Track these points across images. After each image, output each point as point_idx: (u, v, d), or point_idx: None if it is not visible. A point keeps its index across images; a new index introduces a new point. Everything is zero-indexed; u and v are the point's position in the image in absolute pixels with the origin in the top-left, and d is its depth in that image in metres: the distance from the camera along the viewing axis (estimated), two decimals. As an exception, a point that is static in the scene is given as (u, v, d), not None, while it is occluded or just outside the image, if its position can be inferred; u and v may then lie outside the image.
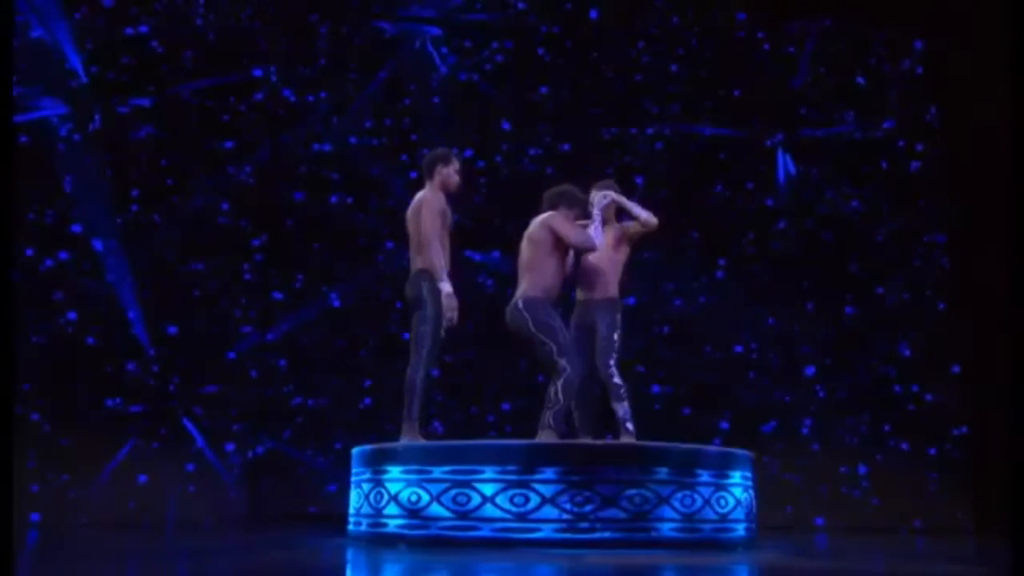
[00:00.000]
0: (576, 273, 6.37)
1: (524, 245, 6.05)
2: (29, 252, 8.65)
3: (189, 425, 8.79)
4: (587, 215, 6.29)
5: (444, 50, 9.77)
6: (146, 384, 8.71)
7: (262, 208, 9.28)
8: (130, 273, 8.60)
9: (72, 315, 8.63)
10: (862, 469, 9.66)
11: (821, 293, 9.92)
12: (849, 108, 10.16)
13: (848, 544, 7.13)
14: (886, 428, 9.72)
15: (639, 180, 10.00)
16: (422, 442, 5.93)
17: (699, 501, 5.61)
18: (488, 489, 5.51)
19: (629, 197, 6.59)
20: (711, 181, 9.99)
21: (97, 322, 8.67)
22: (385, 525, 5.76)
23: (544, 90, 9.94)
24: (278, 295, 9.31)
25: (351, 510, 6.11)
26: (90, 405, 8.61)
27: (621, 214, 6.59)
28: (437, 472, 5.62)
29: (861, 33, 10.17)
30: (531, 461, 5.51)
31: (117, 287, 8.60)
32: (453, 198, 6.37)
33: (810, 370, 9.86)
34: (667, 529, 5.51)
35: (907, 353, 9.81)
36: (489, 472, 5.53)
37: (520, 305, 5.91)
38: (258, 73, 9.27)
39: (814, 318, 9.89)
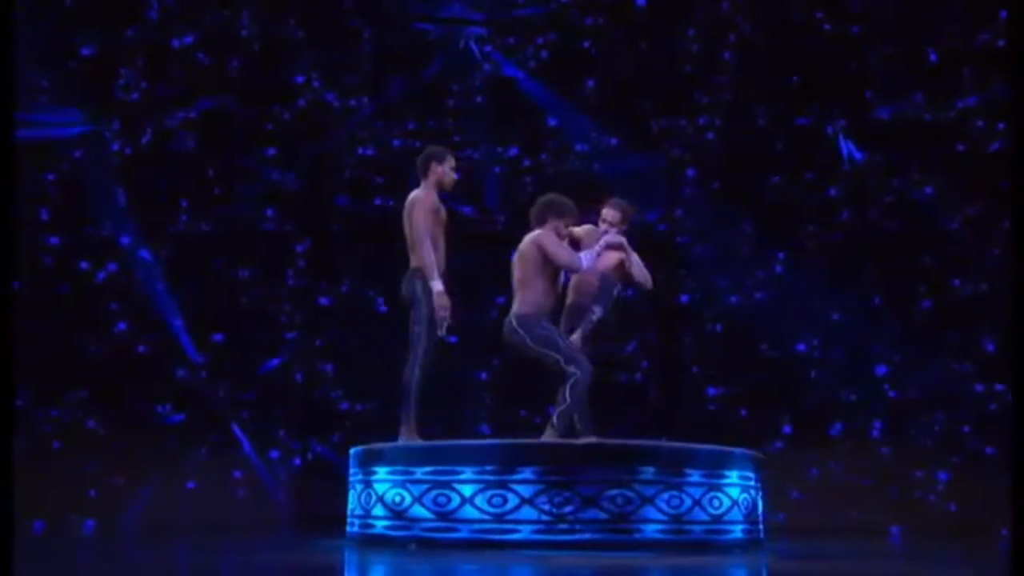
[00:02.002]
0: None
1: (515, 262, 5.99)
2: (84, 265, 8.95)
3: (237, 431, 8.94)
4: (579, 221, 6.15)
5: (487, 48, 9.68)
6: (195, 391, 8.90)
7: (306, 214, 9.37)
8: (165, 281, 8.79)
9: (122, 325, 8.88)
10: (938, 473, 9.09)
11: (890, 287, 9.39)
12: (919, 88, 9.58)
13: (870, 547, 6.72)
14: (965, 429, 9.12)
15: (690, 173, 9.68)
16: (408, 442, 5.85)
17: (688, 502, 5.37)
18: (467, 490, 5.42)
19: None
20: (767, 172, 9.58)
21: (148, 331, 8.90)
22: (373, 526, 5.73)
23: (591, 84, 9.73)
24: (324, 300, 9.38)
25: (348, 511, 6.08)
26: (143, 412, 8.84)
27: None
28: (419, 473, 5.56)
29: (933, 4, 9.56)
30: (509, 461, 5.38)
31: (160, 297, 8.81)
32: (450, 195, 6.34)
33: (881, 369, 9.34)
34: (652, 531, 5.33)
35: (990, 348, 9.18)
36: (468, 473, 5.44)
37: (514, 324, 5.87)
38: (300, 80, 9.37)
39: (882, 313, 9.37)
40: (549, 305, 5.96)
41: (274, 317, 9.16)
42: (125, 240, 8.98)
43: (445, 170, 6.16)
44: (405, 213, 6.12)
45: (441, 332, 6.00)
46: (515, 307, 5.92)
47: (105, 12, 9.04)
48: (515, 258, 5.97)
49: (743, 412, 9.30)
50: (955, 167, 9.38)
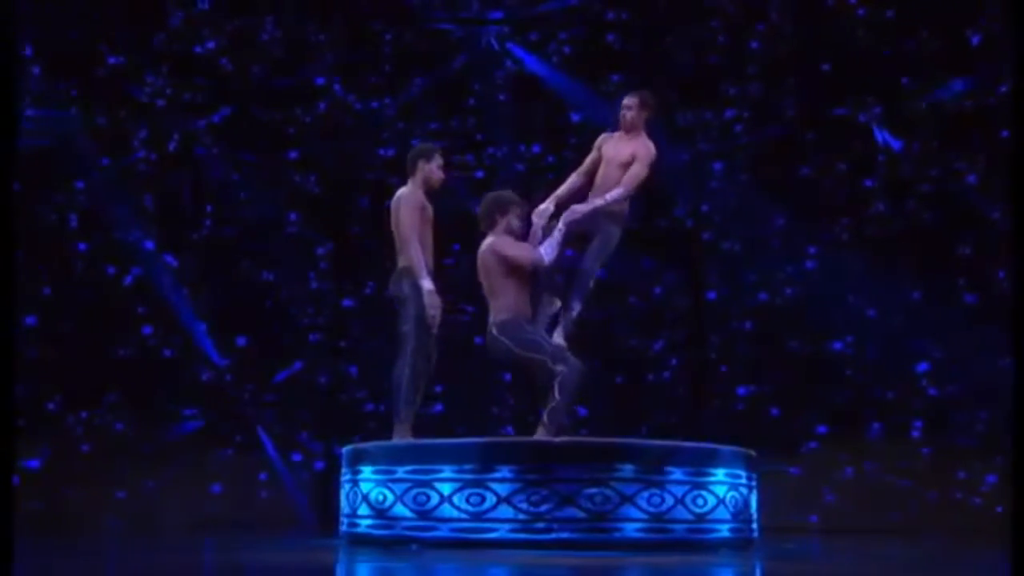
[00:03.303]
0: None
1: (480, 271, 5.94)
2: (111, 270, 9.10)
3: (262, 433, 8.98)
4: (527, 210, 6.07)
5: (509, 45, 9.58)
6: (220, 393, 8.98)
7: (329, 216, 9.39)
8: (188, 285, 8.89)
9: (148, 329, 9.00)
10: (984, 474, 8.69)
11: (928, 280, 9.02)
12: (959, 73, 9.19)
13: (882, 549, 6.44)
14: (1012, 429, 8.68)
15: (717, 166, 9.45)
16: (394, 442, 5.80)
17: (670, 500, 5.20)
18: (446, 488, 5.35)
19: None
20: (797, 163, 9.29)
21: (174, 335, 9.01)
22: (358, 525, 5.70)
23: (615, 78, 9.55)
24: (347, 302, 9.38)
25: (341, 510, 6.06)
26: (169, 414, 8.96)
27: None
28: (400, 472, 5.52)
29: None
30: (487, 459, 5.29)
31: (183, 301, 8.92)
32: (438, 194, 6.28)
33: (921, 366, 8.97)
34: (631, 530, 5.19)
35: (1038, 343, 8.74)
36: (447, 471, 5.36)
37: (495, 332, 5.83)
38: (322, 82, 9.39)
39: (921, 308, 9.00)
40: (526, 305, 5.90)
41: (297, 319, 9.19)
42: (149, 245, 9.10)
43: (432, 168, 6.13)
44: (392, 212, 6.11)
45: (433, 331, 5.95)
46: (492, 316, 5.87)
47: (131, 21, 9.19)
48: (479, 269, 5.91)
49: (774, 412, 9.02)
50: (997, 155, 8.97)
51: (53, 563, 4.97)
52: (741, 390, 9.14)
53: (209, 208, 9.27)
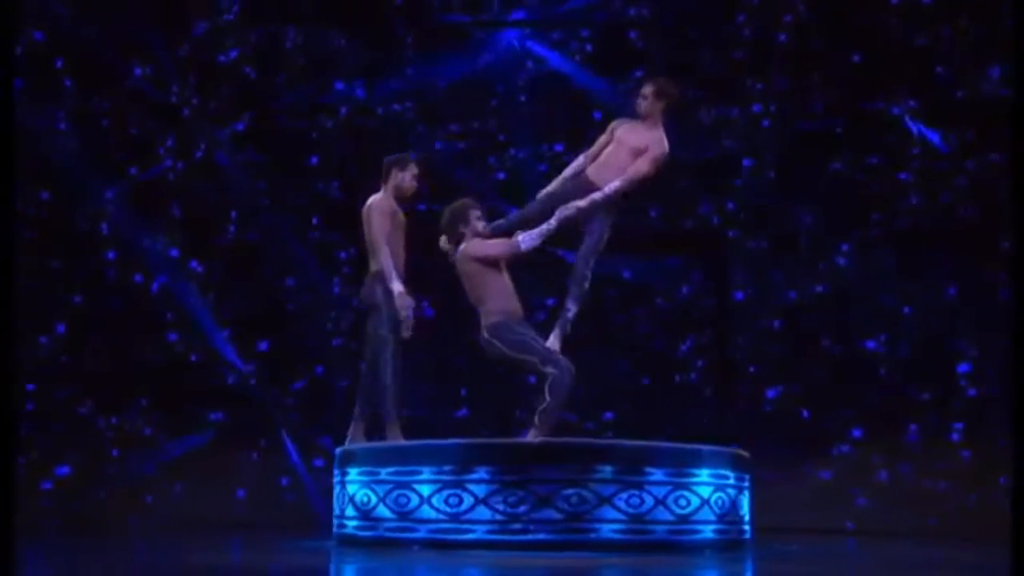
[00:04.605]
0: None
1: (463, 282, 5.98)
2: (138, 278, 9.24)
3: (286, 437, 9.03)
4: (483, 207, 6.13)
5: (529, 43, 9.50)
6: (245, 398, 9.04)
7: (351, 221, 9.38)
8: (212, 291, 8.98)
9: (173, 336, 9.11)
10: (1029, 479, 8.29)
11: (966, 275, 8.68)
12: (996, 62, 8.83)
13: (867, 552, 6.19)
14: (1057, 430, 8.29)
15: (746, 163, 9.22)
16: (375, 443, 5.79)
17: (650, 501, 5.06)
18: (425, 490, 5.30)
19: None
20: (826, 159, 9.02)
21: (200, 340, 9.11)
22: (345, 526, 5.68)
23: (638, 75, 9.39)
24: (370, 306, 9.37)
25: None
26: (197, 419, 9.05)
27: None
28: (383, 473, 5.50)
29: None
30: (465, 461, 5.23)
31: (207, 308, 9.03)
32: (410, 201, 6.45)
33: (961, 366, 8.62)
34: (608, 530, 5.08)
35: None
36: (426, 473, 5.31)
37: (487, 336, 5.85)
38: (342, 87, 9.43)
39: (958, 305, 8.66)
40: (515, 304, 5.90)
41: (320, 324, 9.22)
42: (174, 252, 9.22)
43: (404, 178, 6.32)
44: (363, 218, 6.30)
45: (407, 333, 5.96)
46: (483, 320, 5.86)
47: (157, 32, 9.34)
48: (462, 280, 5.95)
49: (805, 413, 8.76)
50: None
51: (78, 563, 4.97)
52: (771, 392, 8.90)
53: (233, 214, 9.35)
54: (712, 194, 9.17)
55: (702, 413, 8.96)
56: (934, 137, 8.90)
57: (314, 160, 9.40)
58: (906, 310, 8.76)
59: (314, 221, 9.38)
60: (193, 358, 9.13)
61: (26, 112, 9.12)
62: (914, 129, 8.94)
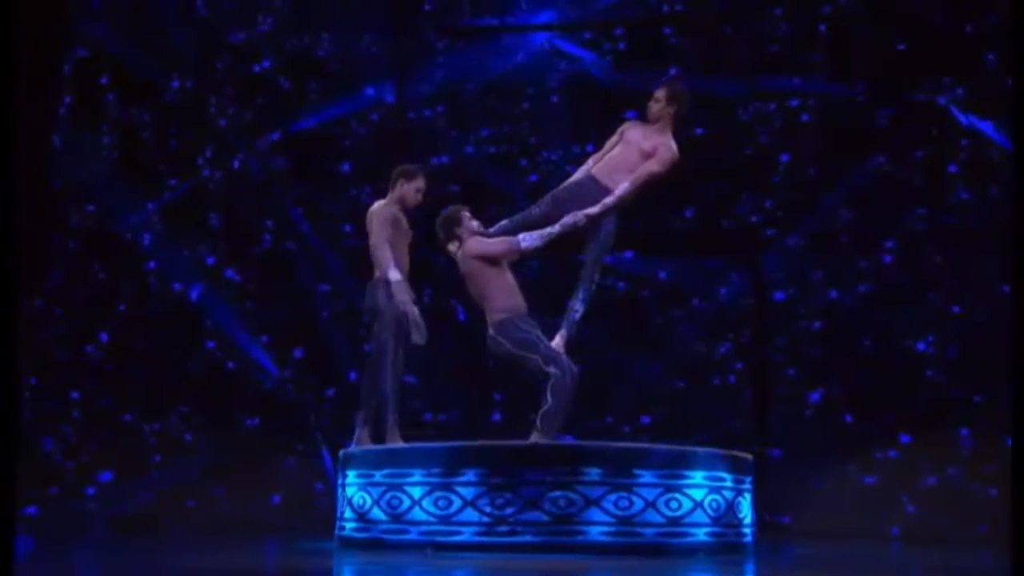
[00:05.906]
0: None
1: (467, 284, 5.95)
2: (177, 286, 9.39)
3: (320, 442, 9.06)
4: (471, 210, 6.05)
5: (562, 44, 9.38)
6: (282, 404, 9.11)
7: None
8: (248, 299, 9.08)
9: (211, 344, 9.23)
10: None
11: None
12: (1050, 47, 8.41)
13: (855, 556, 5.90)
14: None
15: (784, 158, 8.95)
16: (371, 446, 5.75)
17: (639, 503, 4.93)
18: (416, 492, 5.25)
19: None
20: (868, 152, 8.70)
21: (236, 347, 9.21)
22: (344, 528, 5.66)
23: (672, 72, 9.21)
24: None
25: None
26: (235, 425, 9.15)
27: None
28: (378, 476, 5.46)
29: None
30: (454, 463, 5.16)
31: (242, 316, 9.13)
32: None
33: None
34: (596, 533, 4.96)
35: None
36: (417, 475, 5.26)
37: (493, 333, 5.78)
38: (373, 93, 9.45)
39: (1010, 303, 8.23)
40: (519, 301, 5.81)
41: (354, 330, 9.23)
42: (211, 260, 9.34)
43: (409, 189, 6.34)
44: (367, 224, 6.37)
45: (420, 339, 5.98)
46: (489, 319, 5.81)
47: (194, 46, 9.50)
48: (466, 283, 5.92)
49: (847, 417, 8.45)
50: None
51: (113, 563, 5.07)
52: (813, 396, 8.60)
53: (268, 223, 9.44)
54: (750, 192, 8.92)
55: (741, 416, 8.71)
56: (984, 127, 8.52)
57: (346, 167, 9.42)
58: (954, 309, 8.39)
59: (347, 228, 9.40)
60: (231, 365, 9.24)
61: (72, 128, 9.44)
62: (963, 120, 8.57)
